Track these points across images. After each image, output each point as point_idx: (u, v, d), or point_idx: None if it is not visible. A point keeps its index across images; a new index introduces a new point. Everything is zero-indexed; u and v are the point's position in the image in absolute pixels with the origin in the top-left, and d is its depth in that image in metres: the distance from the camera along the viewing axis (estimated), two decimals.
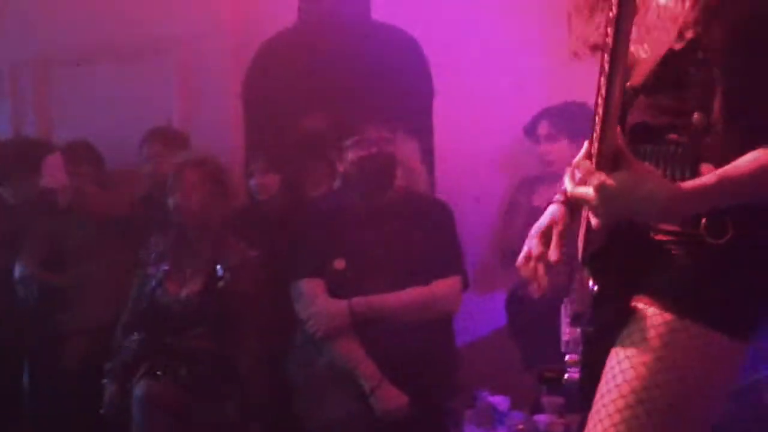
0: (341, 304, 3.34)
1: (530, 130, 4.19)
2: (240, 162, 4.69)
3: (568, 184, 1.52)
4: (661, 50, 1.52)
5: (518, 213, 4.15)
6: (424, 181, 3.83)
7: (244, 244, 3.90)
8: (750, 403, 3.06)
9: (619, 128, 1.44)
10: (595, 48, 1.64)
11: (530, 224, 3.08)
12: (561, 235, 1.74)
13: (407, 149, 3.81)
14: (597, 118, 1.41)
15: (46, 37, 5.10)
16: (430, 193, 3.94)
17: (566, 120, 3.97)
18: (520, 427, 3.71)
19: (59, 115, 5.21)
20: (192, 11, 4.86)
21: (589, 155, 1.47)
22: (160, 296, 3.76)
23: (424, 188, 3.83)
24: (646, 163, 1.48)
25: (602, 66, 1.40)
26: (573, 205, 1.77)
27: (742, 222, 1.49)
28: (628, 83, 1.52)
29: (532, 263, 1.76)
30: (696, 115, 1.49)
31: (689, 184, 1.44)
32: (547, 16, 3.75)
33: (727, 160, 1.45)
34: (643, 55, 1.55)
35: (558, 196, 1.82)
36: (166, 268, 3.81)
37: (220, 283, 3.70)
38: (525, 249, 1.80)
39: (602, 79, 1.38)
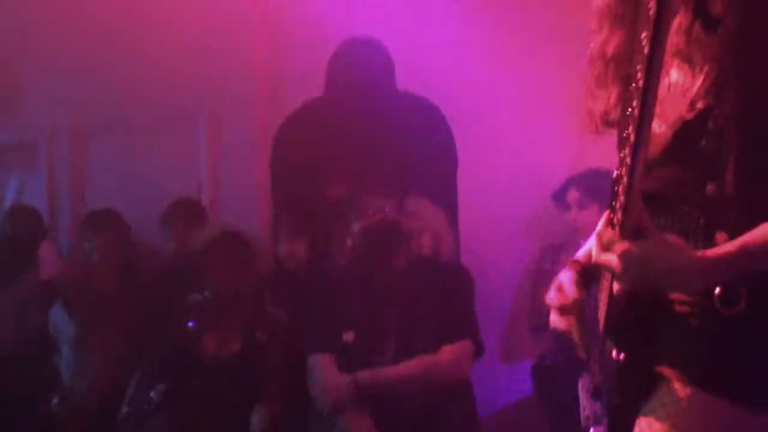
0: (346, 380, 3.35)
1: (559, 197, 4.20)
2: (266, 229, 4.73)
3: (594, 251, 1.53)
4: (674, 123, 1.56)
5: (545, 283, 4.09)
6: (450, 248, 3.84)
7: (277, 310, 3.96)
8: None
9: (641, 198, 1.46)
10: (609, 123, 1.72)
11: None
12: (576, 283, 1.86)
13: (435, 217, 3.84)
14: (620, 188, 1.45)
15: (81, 105, 5.28)
16: (455, 259, 3.94)
17: (595, 187, 3.96)
18: None
19: (92, 183, 5.39)
20: (221, 84, 5.00)
21: (611, 223, 1.50)
22: (195, 352, 3.80)
23: (450, 255, 3.84)
24: (669, 234, 1.50)
25: (621, 137, 1.45)
26: (589, 277, 1.84)
27: (755, 292, 1.49)
28: None
29: (560, 314, 1.88)
30: (709, 186, 1.52)
31: (710, 253, 1.46)
32: (567, 87, 3.80)
33: (741, 229, 1.47)
34: (657, 130, 1.56)
35: (572, 261, 1.93)
36: (203, 326, 3.83)
37: (257, 347, 3.76)
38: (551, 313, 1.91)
39: (627, 149, 1.41)
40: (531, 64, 4.35)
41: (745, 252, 1.45)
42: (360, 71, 4.37)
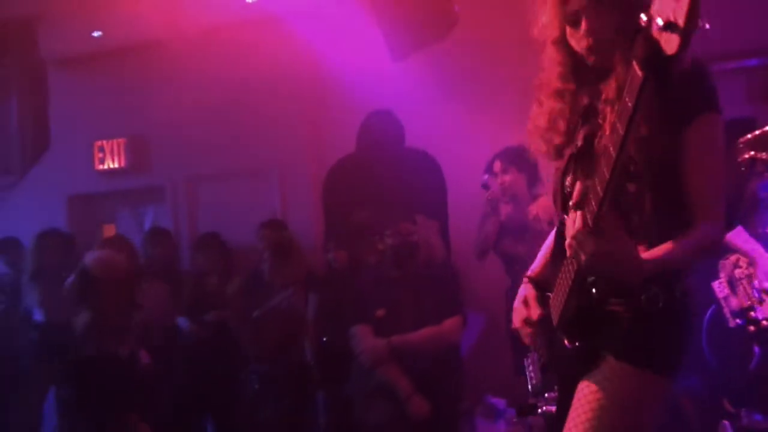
0: (382, 342, 3.28)
1: (488, 168, 3.85)
2: (321, 242, 4.77)
3: (567, 247, 1.39)
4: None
5: (486, 223, 3.84)
6: (440, 250, 3.73)
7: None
8: (672, 410, 3.00)
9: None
10: (560, 155, 1.61)
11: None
12: (536, 300, 1.71)
13: (428, 228, 3.73)
14: (593, 198, 1.32)
15: (194, 161, 5.31)
16: (445, 259, 3.79)
17: (512, 158, 3.69)
18: (514, 420, 3.66)
19: (203, 214, 5.38)
20: (287, 147, 5.02)
21: (584, 224, 1.36)
22: None
23: (440, 255, 3.72)
24: (628, 240, 1.39)
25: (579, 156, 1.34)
26: (541, 288, 1.72)
27: (668, 295, 1.47)
28: None
29: (525, 325, 1.71)
30: (632, 217, 1.47)
31: (649, 257, 1.40)
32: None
33: (655, 241, 1.44)
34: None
35: (525, 279, 1.77)
36: None
37: None
38: (515, 317, 1.74)
39: (603, 167, 1.29)
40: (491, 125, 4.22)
41: (665, 256, 1.41)
42: (380, 134, 4.48)
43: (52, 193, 5.76)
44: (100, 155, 5.64)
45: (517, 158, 3.63)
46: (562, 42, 1.56)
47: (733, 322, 2.95)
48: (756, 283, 2.90)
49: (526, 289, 1.75)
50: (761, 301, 2.88)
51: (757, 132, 2.97)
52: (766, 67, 3.61)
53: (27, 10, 5.34)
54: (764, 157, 2.90)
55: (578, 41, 1.53)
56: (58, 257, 4.40)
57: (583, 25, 1.49)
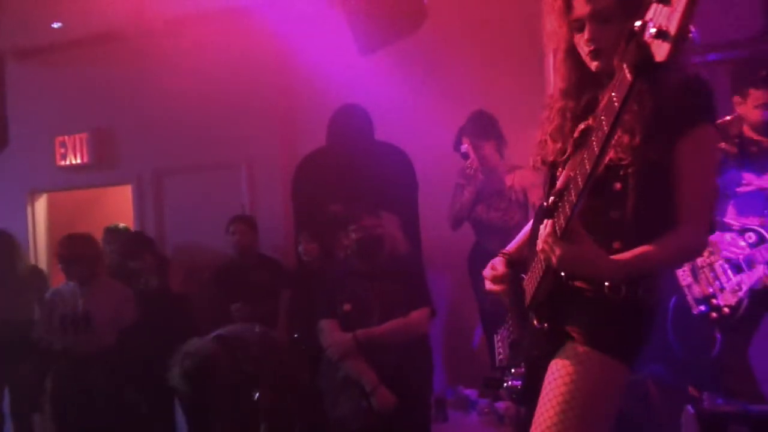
0: (348, 336, 3.25)
1: (456, 146, 3.88)
2: (291, 236, 4.76)
3: (539, 248, 1.46)
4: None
5: (462, 193, 3.90)
6: (403, 244, 3.68)
7: None
8: (639, 394, 3.05)
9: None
10: (545, 164, 1.67)
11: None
12: (504, 264, 1.75)
13: (390, 223, 3.69)
14: (566, 203, 1.38)
15: (159, 157, 5.25)
16: (411, 251, 3.79)
17: (477, 131, 3.72)
18: (486, 410, 3.75)
19: (169, 210, 5.31)
20: (255, 141, 4.98)
21: (554, 228, 1.42)
22: None
23: (404, 248, 3.68)
24: (595, 245, 1.44)
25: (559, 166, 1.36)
26: (513, 264, 1.76)
27: (631, 286, 1.52)
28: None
29: (494, 283, 1.76)
30: (612, 213, 1.51)
31: (616, 258, 1.45)
32: None
33: (635, 240, 1.48)
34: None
35: (500, 254, 1.81)
36: None
37: None
38: (486, 282, 1.78)
39: (578, 177, 1.33)
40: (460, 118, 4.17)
41: (637, 259, 1.45)
42: (350, 127, 4.44)
43: (13, 190, 5.62)
44: (62, 151, 5.52)
45: (481, 129, 3.69)
46: (568, 53, 1.60)
47: (697, 309, 3.02)
48: (719, 264, 2.96)
49: (496, 259, 1.80)
50: (722, 288, 2.95)
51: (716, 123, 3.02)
52: (725, 61, 3.70)
53: None
54: (722, 146, 2.97)
55: (582, 47, 1.56)
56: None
57: (586, 33, 1.52)
